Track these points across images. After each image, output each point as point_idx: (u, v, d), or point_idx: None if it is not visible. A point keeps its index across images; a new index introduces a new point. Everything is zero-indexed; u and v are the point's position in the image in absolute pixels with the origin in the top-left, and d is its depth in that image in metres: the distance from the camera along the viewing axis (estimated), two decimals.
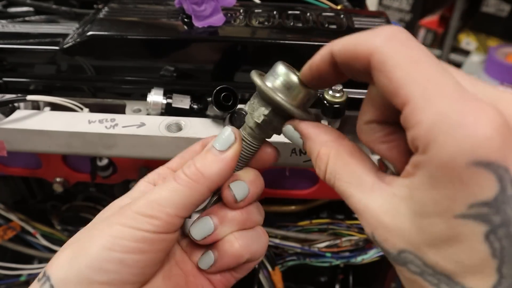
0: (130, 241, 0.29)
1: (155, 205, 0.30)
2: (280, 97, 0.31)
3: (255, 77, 0.32)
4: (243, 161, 0.35)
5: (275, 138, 0.43)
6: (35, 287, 0.30)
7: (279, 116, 0.32)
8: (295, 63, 0.49)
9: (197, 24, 0.49)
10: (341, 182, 0.27)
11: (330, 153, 0.28)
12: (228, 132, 0.32)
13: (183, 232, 0.36)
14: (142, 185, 0.35)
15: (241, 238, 0.33)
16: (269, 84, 0.31)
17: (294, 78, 0.31)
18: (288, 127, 0.32)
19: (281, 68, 0.32)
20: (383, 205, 0.24)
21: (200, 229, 0.33)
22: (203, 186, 0.31)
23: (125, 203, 0.32)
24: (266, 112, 0.32)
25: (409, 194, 0.22)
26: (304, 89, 0.31)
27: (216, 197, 0.35)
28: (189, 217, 0.34)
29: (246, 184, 0.34)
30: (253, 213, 0.35)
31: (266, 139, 0.35)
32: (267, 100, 0.32)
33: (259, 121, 0.33)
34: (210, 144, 0.32)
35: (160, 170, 0.36)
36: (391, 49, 0.23)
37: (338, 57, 0.26)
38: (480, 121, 0.19)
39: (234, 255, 0.33)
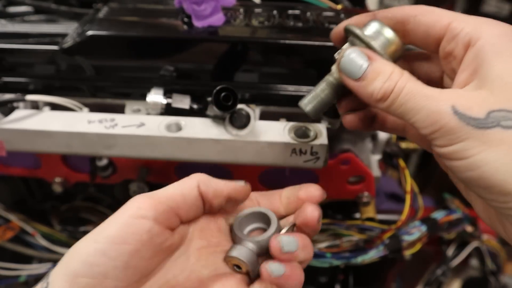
0: (115, 230, 0.29)
1: (153, 193, 0.31)
2: (380, 52, 0.32)
3: (355, 29, 0.33)
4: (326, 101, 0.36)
5: (275, 137, 0.43)
6: (38, 286, 0.30)
7: None
8: (296, 63, 0.49)
9: (197, 24, 0.48)
10: (417, 86, 0.29)
11: (404, 72, 0.30)
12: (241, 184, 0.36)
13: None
14: None
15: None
16: (369, 39, 0.32)
17: (394, 34, 0.32)
18: (354, 49, 0.32)
19: (378, 24, 0.33)
20: (461, 90, 0.29)
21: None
22: (190, 183, 0.33)
23: None
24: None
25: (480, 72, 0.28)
26: (401, 44, 0.33)
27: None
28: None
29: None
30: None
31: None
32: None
33: None
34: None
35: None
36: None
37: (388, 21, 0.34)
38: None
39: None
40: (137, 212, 0.30)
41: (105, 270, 0.28)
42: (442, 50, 0.32)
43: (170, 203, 0.32)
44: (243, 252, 0.34)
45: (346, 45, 0.35)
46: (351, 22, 0.35)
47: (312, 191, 0.38)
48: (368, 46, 0.32)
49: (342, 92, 0.36)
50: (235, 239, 0.36)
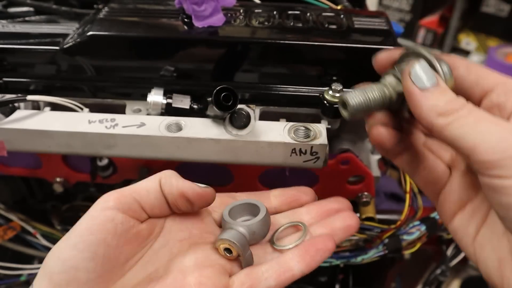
0: (83, 224, 0.31)
1: (126, 188, 0.33)
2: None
3: (424, 51, 0.33)
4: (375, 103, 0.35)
5: (274, 137, 0.43)
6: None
7: None
8: (296, 63, 0.49)
9: (197, 24, 0.49)
10: (486, 113, 0.29)
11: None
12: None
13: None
14: None
15: None
16: (438, 65, 0.33)
17: (451, 73, 0.33)
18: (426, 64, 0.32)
19: (439, 59, 0.33)
20: None
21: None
22: (153, 180, 0.35)
23: None
24: None
25: None
26: (453, 85, 0.33)
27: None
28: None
29: None
30: None
31: None
32: None
33: None
34: None
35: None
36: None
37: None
38: None
39: None
40: (102, 205, 0.32)
41: (75, 263, 0.29)
42: (488, 100, 0.32)
43: (134, 195, 0.33)
44: (234, 234, 0.35)
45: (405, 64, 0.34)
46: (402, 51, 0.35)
47: (305, 190, 0.39)
48: (436, 70, 0.32)
49: (388, 103, 0.35)
50: (225, 226, 0.37)
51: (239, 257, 0.35)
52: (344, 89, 0.46)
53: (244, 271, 0.34)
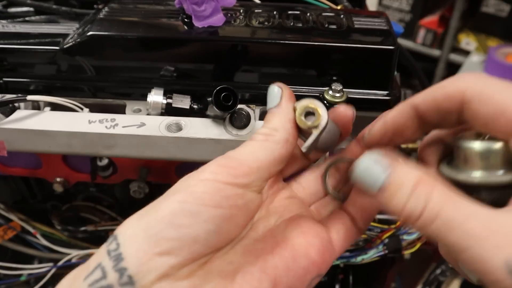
0: (205, 193, 0.26)
1: (234, 158, 0.28)
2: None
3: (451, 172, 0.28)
4: None
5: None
6: (103, 248, 0.26)
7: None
8: (295, 63, 0.49)
9: (197, 24, 0.49)
10: (455, 211, 0.24)
11: (435, 184, 0.25)
12: (274, 89, 0.33)
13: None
14: None
15: None
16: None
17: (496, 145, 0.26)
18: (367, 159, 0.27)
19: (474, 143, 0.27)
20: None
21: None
22: (277, 138, 0.30)
23: None
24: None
25: None
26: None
27: None
28: None
29: None
30: None
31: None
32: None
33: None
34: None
35: None
36: (482, 81, 0.26)
37: (424, 105, 0.29)
38: None
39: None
40: (229, 179, 0.27)
41: (196, 233, 0.25)
42: None
43: (263, 170, 0.29)
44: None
45: None
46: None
47: (343, 111, 0.35)
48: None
49: None
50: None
51: (317, 128, 0.31)
52: (344, 89, 0.46)
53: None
